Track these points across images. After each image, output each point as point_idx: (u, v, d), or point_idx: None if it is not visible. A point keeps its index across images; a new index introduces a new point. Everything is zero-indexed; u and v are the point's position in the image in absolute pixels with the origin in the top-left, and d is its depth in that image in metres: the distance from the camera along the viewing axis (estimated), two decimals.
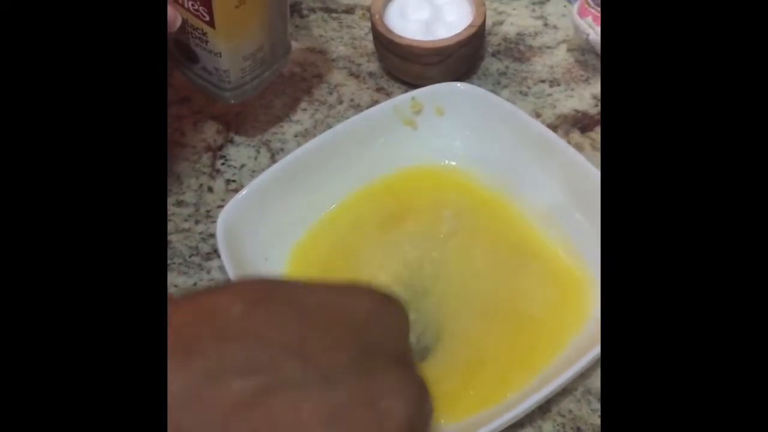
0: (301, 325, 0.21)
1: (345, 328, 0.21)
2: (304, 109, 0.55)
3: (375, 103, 0.51)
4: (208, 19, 0.43)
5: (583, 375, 0.40)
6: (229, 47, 0.44)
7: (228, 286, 0.21)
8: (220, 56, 0.45)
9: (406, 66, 0.53)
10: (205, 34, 0.44)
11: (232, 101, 0.49)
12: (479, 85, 0.49)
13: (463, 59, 0.54)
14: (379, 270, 0.43)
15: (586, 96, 0.54)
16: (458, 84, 0.49)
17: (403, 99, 0.48)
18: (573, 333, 0.40)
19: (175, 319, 0.20)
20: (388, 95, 0.54)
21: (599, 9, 0.51)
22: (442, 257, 0.44)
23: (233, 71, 0.46)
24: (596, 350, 0.37)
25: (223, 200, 0.49)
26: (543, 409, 0.39)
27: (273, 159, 0.52)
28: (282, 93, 0.56)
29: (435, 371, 0.39)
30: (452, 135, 0.48)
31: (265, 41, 0.46)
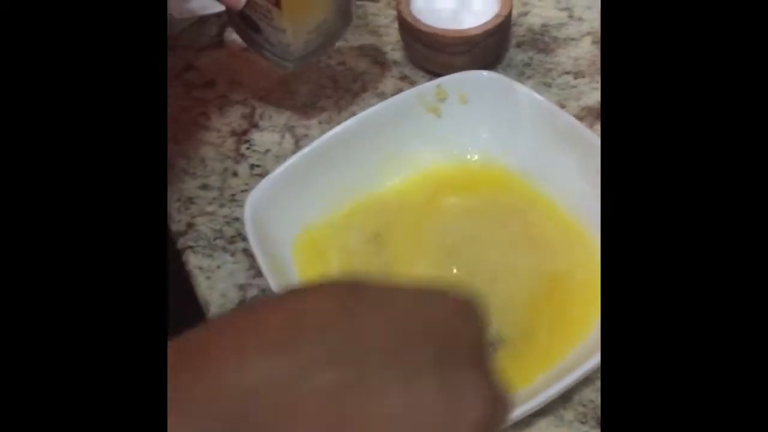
0: (387, 325, 0.21)
1: (427, 330, 0.22)
2: (329, 97, 0.55)
3: (399, 91, 0.51)
4: (274, 0, 0.43)
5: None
6: (294, 24, 0.44)
7: (317, 288, 0.22)
8: (285, 32, 0.45)
9: (431, 55, 0.53)
10: (270, 11, 0.44)
11: (292, 69, 0.49)
12: (513, 80, 0.49)
13: (489, 49, 0.54)
14: (413, 256, 0.44)
15: None
16: (484, 72, 0.49)
17: (429, 86, 0.48)
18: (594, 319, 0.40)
19: (270, 318, 0.20)
20: (413, 84, 0.54)
21: None
22: (476, 242, 0.44)
23: (296, 44, 0.46)
24: None
25: (247, 184, 0.50)
26: (564, 398, 0.40)
27: (297, 145, 0.52)
28: (307, 80, 0.56)
29: None
30: (476, 123, 0.48)
31: (329, 14, 0.46)
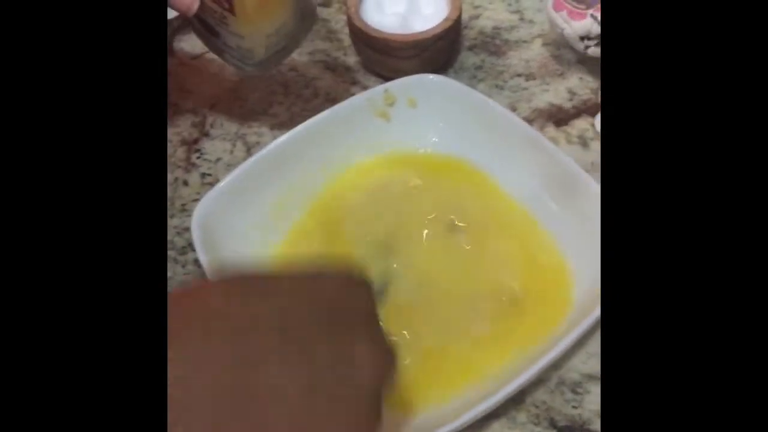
0: (277, 308, 0.24)
1: (314, 306, 0.24)
2: (281, 103, 0.54)
3: (351, 96, 0.51)
4: (228, 6, 0.42)
5: (556, 365, 0.41)
6: (251, 29, 0.44)
7: (208, 283, 0.25)
8: (243, 38, 0.44)
9: (382, 59, 0.53)
10: (225, 17, 0.43)
11: (257, 73, 0.49)
12: (456, 79, 0.49)
13: (440, 53, 0.54)
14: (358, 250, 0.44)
15: (561, 90, 0.54)
16: (430, 76, 0.49)
17: (377, 91, 0.48)
18: (551, 322, 0.40)
19: (170, 313, 0.22)
20: (364, 88, 0.54)
21: (574, 3, 0.51)
22: (420, 240, 0.45)
23: (256, 49, 0.45)
24: (569, 340, 0.37)
25: (198, 194, 0.49)
26: (517, 399, 0.40)
27: (249, 153, 0.51)
28: (257, 87, 0.56)
29: (406, 358, 0.40)
30: (425, 126, 0.49)
31: (288, 17, 0.45)
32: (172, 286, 0.45)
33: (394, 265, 0.44)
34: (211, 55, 0.58)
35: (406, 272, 0.43)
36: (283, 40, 0.46)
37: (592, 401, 0.40)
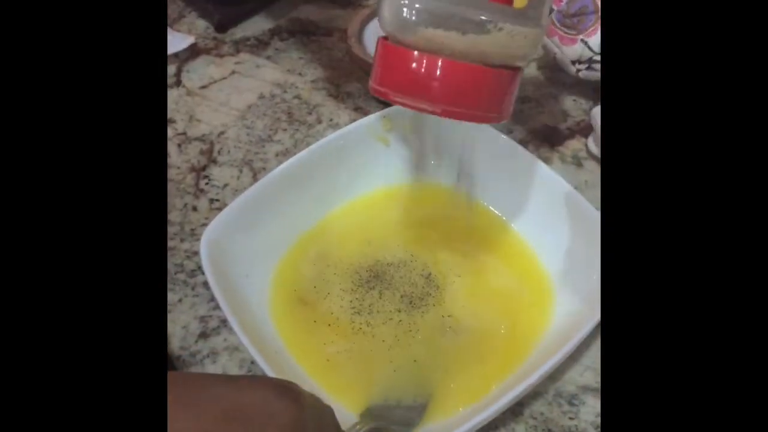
0: (194, 417, 0.25)
1: (231, 416, 0.26)
2: (285, 130, 0.57)
3: (353, 122, 0.53)
4: None
5: (553, 378, 0.42)
6: None
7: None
8: None
9: None
10: None
11: None
12: None
13: None
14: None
15: (556, 112, 0.56)
16: None
17: (375, 117, 0.50)
18: (540, 334, 0.42)
19: None
20: (366, 114, 0.56)
21: (564, 30, 0.53)
22: (423, 263, 0.47)
23: None
24: (563, 351, 0.39)
25: (206, 219, 0.51)
26: (515, 411, 0.41)
27: (255, 178, 0.53)
28: (263, 114, 0.58)
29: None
30: (423, 151, 0.51)
31: None
32: (181, 308, 0.47)
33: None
34: (219, 85, 0.60)
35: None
36: None
37: (588, 412, 0.41)
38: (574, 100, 0.57)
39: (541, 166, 0.47)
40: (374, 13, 0.60)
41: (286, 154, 0.55)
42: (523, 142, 0.51)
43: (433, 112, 0.36)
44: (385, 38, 0.38)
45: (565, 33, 0.53)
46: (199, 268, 0.49)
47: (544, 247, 0.47)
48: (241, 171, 0.54)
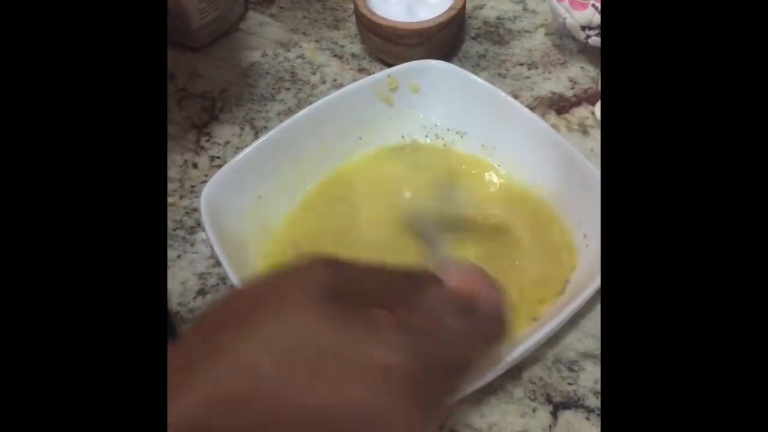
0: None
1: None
2: (288, 89, 0.56)
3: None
4: None
5: (551, 344, 0.42)
6: None
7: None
8: None
9: (388, 47, 0.55)
10: None
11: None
12: (459, 67, 0.50)
13: (444, 41, 0.55)
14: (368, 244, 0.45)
15: (563, 79, 0.56)
16: (433, 62, 0.50)
17: (380, 76, 0.49)
18: (550, 296, 0.42)
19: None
20: (370, 75, 0.55)
21: None
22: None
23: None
24: (563, 316, 0.39)
25: (206, 176, 0.50)
26: (514, 375, 0.41)
27: (257, 136, 0.53)
28: (266, 73, 0.57)
29: None
30: (427, 111, 0.50)
31: None
32: (180, 264, 0.47)
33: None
34: (222, 42, 0.59)
35: None
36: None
37: (587, 378, 0.41)
38: (582, 68, 0.56)
39: (548, 129, 0.46)
40: None
41: (289, 113, 0.54)
42: (528, 109, 0.50)
43: None
44: None
45: None
46: (199, 224, 0.48)
47: (560, 207, 0.46)
48: (242, 129, 0.53)
